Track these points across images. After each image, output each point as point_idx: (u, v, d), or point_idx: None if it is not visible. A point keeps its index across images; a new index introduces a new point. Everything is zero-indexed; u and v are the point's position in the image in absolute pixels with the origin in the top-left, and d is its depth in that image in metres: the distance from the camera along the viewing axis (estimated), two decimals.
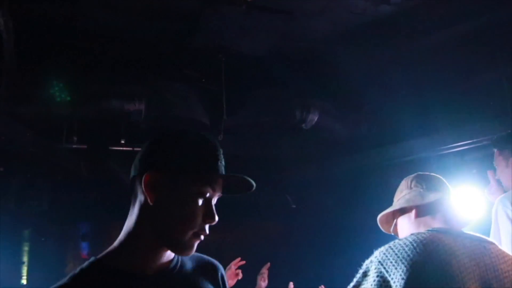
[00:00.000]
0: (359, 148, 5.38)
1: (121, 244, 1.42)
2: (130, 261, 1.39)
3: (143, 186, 1.38)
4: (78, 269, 1.36)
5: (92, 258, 1.40)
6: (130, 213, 1.44)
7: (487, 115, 4.56)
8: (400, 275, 1.72)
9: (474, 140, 4.63)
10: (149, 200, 1.38)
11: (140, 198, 1.41)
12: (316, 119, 4.95)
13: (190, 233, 1.39)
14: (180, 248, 1.40)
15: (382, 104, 5.10)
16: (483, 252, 1.91)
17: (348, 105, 5.09)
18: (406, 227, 2.16)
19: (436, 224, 2.06)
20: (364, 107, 5.18)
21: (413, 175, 2.24)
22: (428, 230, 1.98)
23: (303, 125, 4.94)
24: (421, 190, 2.16)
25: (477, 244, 1.93)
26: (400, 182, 2.28)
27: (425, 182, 2.18)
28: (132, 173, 1.45)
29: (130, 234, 1.41)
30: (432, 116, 4.95)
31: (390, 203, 2.21)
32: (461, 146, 4.77)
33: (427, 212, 2.10)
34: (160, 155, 1.41)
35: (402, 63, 4.56)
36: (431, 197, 2.11)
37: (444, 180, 2.20)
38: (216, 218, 1.42)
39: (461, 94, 4.79)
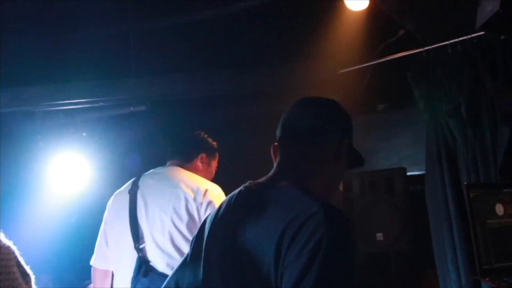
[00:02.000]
0: None
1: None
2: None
3: (339, 151, 1.57)
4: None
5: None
6: (315, 163, 1.55)
7: (108, 73, 4.03)
8: None
9: (89, 100, 4.05)
10: (334, 162, 1.57)
11: (328, 158, 1.56)
12: None
13: None
14: None
15: None
16: None
17: None
18: None
19: None
20: None
21: None
22: None
23: None
24: None
25: None
26: None
27: None
28: (331, 136, 1.57)
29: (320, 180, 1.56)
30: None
31: None
32: (72, 104, 4.10)
33: None
34: (343, 123, 1.61)
35: None
36: None
37: None
38: None
39: (84, 45, 4.11)
